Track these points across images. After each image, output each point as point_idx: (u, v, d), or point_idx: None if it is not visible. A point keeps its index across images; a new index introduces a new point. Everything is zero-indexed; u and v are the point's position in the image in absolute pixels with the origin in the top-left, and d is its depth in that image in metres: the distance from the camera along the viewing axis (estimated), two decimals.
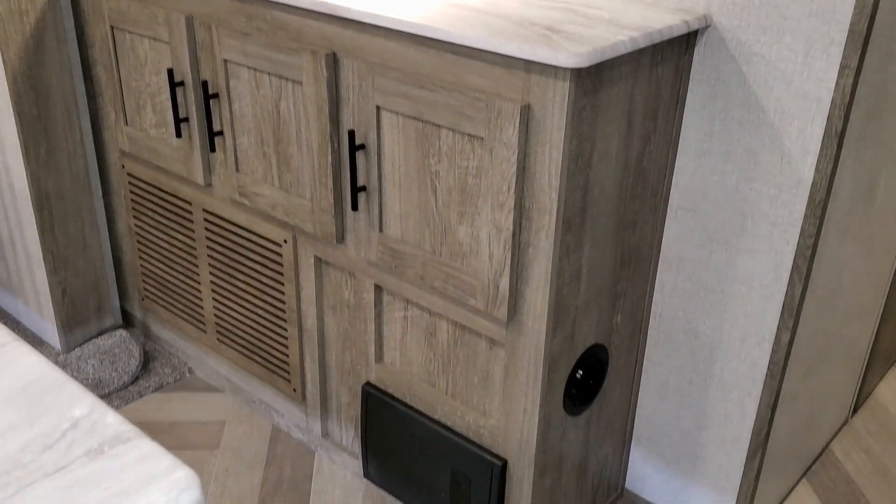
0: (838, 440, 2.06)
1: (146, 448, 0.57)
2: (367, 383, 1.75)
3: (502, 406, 1.52)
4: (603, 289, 1.51)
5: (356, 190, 1.54)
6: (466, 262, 1.44)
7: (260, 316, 1.91)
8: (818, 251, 1.49)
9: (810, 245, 1.45)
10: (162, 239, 2.07)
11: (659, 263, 1.64)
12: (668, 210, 1.60)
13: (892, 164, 1.68)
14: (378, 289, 1.65)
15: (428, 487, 1.70)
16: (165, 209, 2.01)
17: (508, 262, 1.37)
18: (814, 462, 1.98)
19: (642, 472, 1.82)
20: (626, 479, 1.85)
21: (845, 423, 2.11)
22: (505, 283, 1.39)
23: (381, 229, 1.56)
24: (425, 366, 1.64)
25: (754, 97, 1.44)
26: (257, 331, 1.94)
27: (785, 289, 1.50)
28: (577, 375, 1.52)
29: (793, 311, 1.50)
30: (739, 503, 1.66)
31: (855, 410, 2.15)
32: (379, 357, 1.72)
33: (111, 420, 0.59)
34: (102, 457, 0.56)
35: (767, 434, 1.60)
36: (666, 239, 1.62)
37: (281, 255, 1.78)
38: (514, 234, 1.35)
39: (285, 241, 1.76)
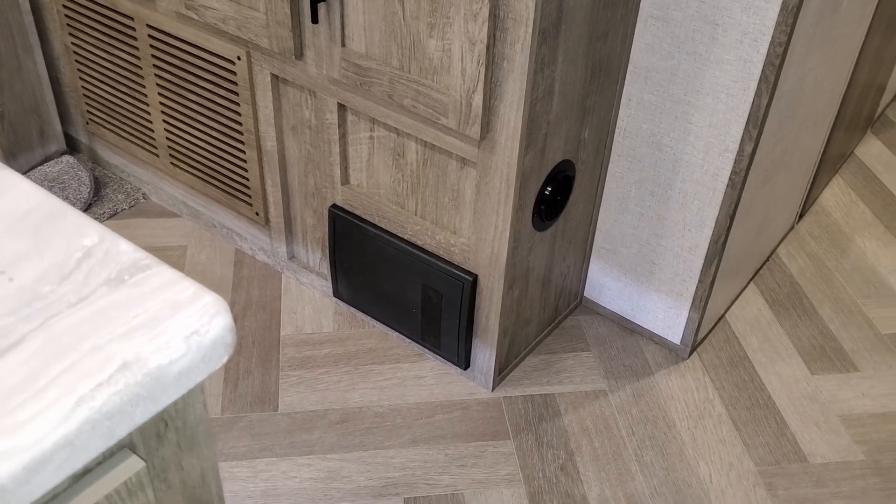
0: (784, 245, 2.16)
1: (167, 275, 0.56)
2: (334, 205, 1.74)
3: (473, 224, 1.53)
4: (573, 104, 1.49)
5: (316, 0, 1.45)
6: (437, 79, 1.40)
7: (216, 138, 1.85)
8: (786, 61, 1.48)
9: (780, 54, 1.44)
10: (103, 59, 1.95)
11: (627, 77, 1.62)
12: (639, 18, 1.56)
13: None
14: (342, 108, 1.60)
15: (398, 304, 1.74)
16: (104, 25, 1.87)
17: (482, 77, 1.33)
18: (761, 266, 2.08)
19: (601, 281, 1.89)
20: (586, 288, 1.93)
21: (791, 228, 2.21)
22: (478, 100, 1.36)
23: (343, 43, 1.49)
24: (393, 187, 1.63)
25: None
26: (214, 154, 1.88)
27: (751, 99, 1.50)
28: (546, 192, 1.54)
29: (757, 122, 1.52)
30: (693, 307, 1.76)
31: (801, 216, 2.25)
32: (345, 179, 1.70)
33: (125, 248, 0.58)
34: (124, 285, 0.55)
35: (725, 242, 1.66)
36: (635, 50, 1.59)
37: (235, 74, 1.70)
38: (488, 48, 1.31)
39: (239, 59, 1.67)
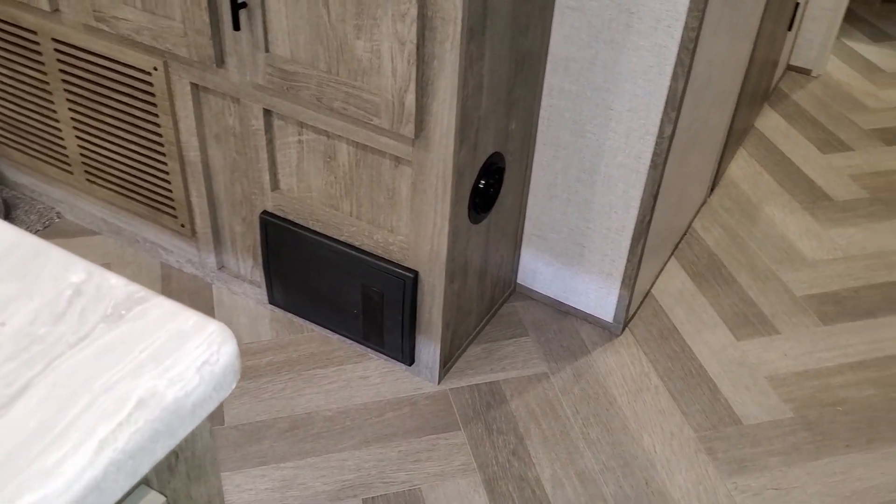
0: (699, 218, 2.26)
1: (166, 306, 0.56)
2: (265, 212, 1.71)
3: (411, 222, 1.55)
4: (500, 97, 1.52)
5: (236, 7, 1.42)
6: (367, 80, 1.40)
7: (135, 151, 1.79)
8: (698, 44, 1.55)
9: (693, 38, 1.51)
10: (5, 76, 1.86)
11: (548, 67, 1.66)
12: (556, 10, 1.60)
13: None
14: (268, 113, 1.58)
15: (338, 306, 1.74)
16: (5, 41, 1.78)
17: (414, 76, 1.34)
18: (680, 240, 2.17)
19: (533, 267, 1.93)
20: (519, 274, 1.97)
21: (704, 202, 2.31)
22: (411, 99, 1.37)
23: (267, 49, 1.47)
24: (326, 190, 1.63)
25: None
26: (134, 167, 1.82)
27: (668, 83, 1.57)
28: (480, 185, 1.56)
29: (675, 104, 1.58)
30: (623, 286, 1.82)
31: (712, 190, 2.35)
32: (274, 185, 1.68)
33: (115, 282, 0.57)
34: (123, 321, 0.54)
35: (649, 221, 1.73)
36: (554, 41, 1.63)
37: (152, 85, 1.65)
38: (418, 47, 1.32)
39: (155, 69, 1.63)
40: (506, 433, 1.65)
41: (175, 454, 0.55)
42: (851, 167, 2.52)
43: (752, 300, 2.01)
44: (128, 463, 0.48)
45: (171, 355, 0.52)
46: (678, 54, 1.53)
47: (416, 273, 1.60)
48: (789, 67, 3.02)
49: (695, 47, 1.52)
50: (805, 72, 3.01)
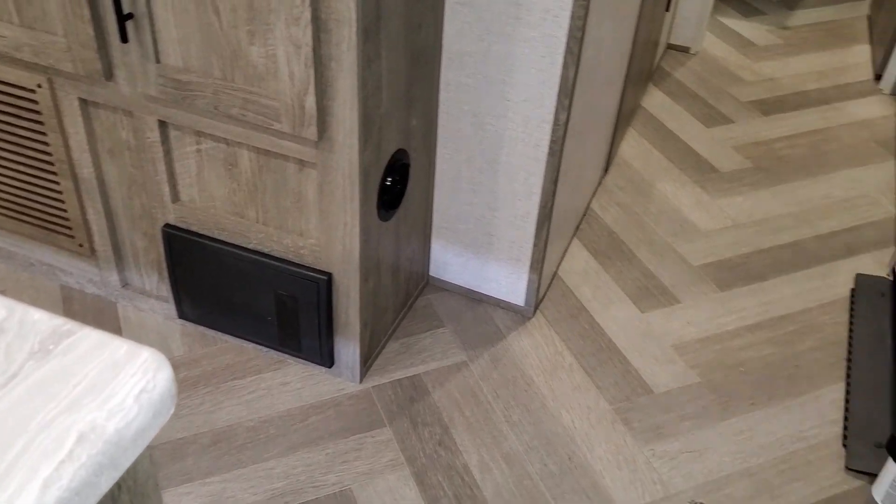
0: (596, 198, 2.34)
1: (95, 337, 0.55)
2: (167, 225, 1.68)
3: (320, 224, 1.54)
4: (400, 94, 1.54)
5: (122, 18, 1.39)
6: (265, 85, 1.39)
7: (23, 172, 1.72)
8: (585, 32, 1.61)
9: (580, 27, 1.56)
10: None
11: (443, 62, 1.69)
12: (447, 6, 1.62)
13: None
14: (163, 125, 1.55)
15: (251, 314, 1.72)
16: None
17: (312, 79, 1.34)
18: (580, 221, 2.24)
19: (444, 259, 1.96)
20: (430, 267, 1.99)
21: (600, 183, 2.39)
22: (311, 101, 1.36)
23: (158, 59, 1.44)
24: (230, 198, 1.60)
25: None
26: (23, 189, 1.75)
27: (560, 71, 1.62)
28: (387, 183, 1.58)
29: (568, 92, 1.63)
30: (532, 270, 1.87)
31: (607, 170, 2.44)
32: (175, 196, 1.65)
33: (38, 316, 0.55)
34: (51, 356, 0.53)
35: (552, 206, 1.78)
36: (447, 37, 1.66)
37: (37, 102, 1.59)
38: (314, 50, 1.31)
39: (39, 86, 1.56)
40: (431, 425, 1.68)
41: (118, 485, 0.55)
42: (734, 139, 2.66)
43: (652, 273, 2.10)
44: (73, 500, 0.47)
45: (108, 386, 0.52)
46: (567, 43, 1.58)
47: (329, 275, 1.60)
48: (669, 46, 3.15)
49: (582, 36, 1.57)
50: (684, 50, 3.14)
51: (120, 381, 0.52)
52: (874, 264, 2.18)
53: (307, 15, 1.28)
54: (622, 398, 1.77)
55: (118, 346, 0.54)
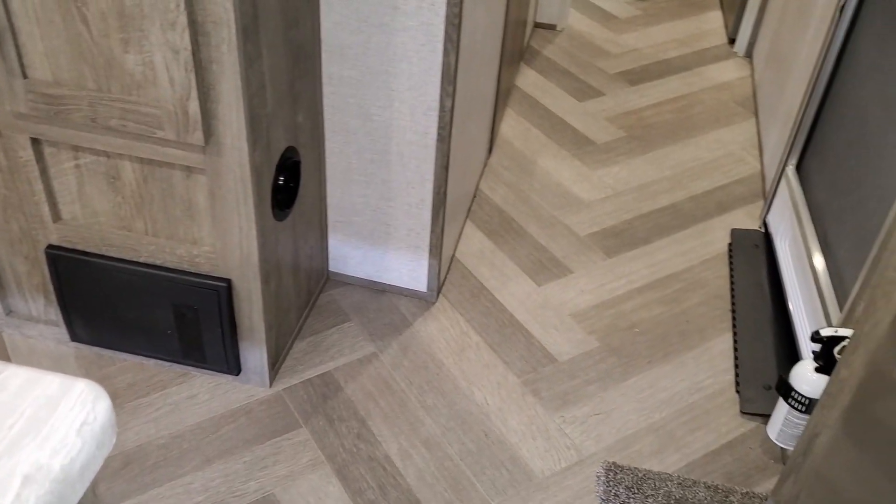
0: (484, 179, 2.39)
1: (23, 373, 0.53)
2: (50, 246, 1.60)
3: (214, 230, 1.51)
4: (284, 92, 1.52)
5: None
6: (144, 93, 1.34)
7: None
8: (462, 18, 1.63)
9: (457, 14, 1.59)
10: None
11: (323, 57, 1.68)
12: (322, 1, 1.61)
13: None
14: (36, 142, 1.47)
15: (150, 330, 1.66)
16: None
17: (194, 84, 1.31)
18: (471, 203, 2.28)
19: (342, 252, 1.96)
20: (330, 262, 1.98)
21: (486, 164, 2.44)
22: (194, 106, 1.33)
23: (25, 74, 1.37)
24: (115, 212, 1.54)
25: None
26: None
27: (441, 59, 1.64)
28: (280, 182, 1.56)
29: (451, 78, 1.66)
30: (431, 255, 1.90)
31: (490, 151, 2.49)
32: (56, 216, 1.57)
33: None
34: None
35: (445, 191, 1.81)
36: (325, 31, 1.65)
37: None
38: (193, 53, 1.28)
39: None
40: (347, 420, 1.68)
41: None
42: (605, 110, 2.76)
43: (543, 247, 2.17)
44: None
45: (46, 424, 0.50)
46: (445, 30, 1.60)
47: (228, 281, 1.57)
48: (536, 25, 3.23)
49: (460, 22, 1.60)
50: (550, 27, 3.23)
51: (59, 417, 0.51)
52: (746, 218, 2.32)
53: (183, 19, 1.25)
54: (529, 370, 1.82)
55: (50, 381, 0.52)
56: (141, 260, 1.58)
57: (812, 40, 2.18)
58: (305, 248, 1.81)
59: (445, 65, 1.64)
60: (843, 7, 1.86)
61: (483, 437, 1.67)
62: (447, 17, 1.59)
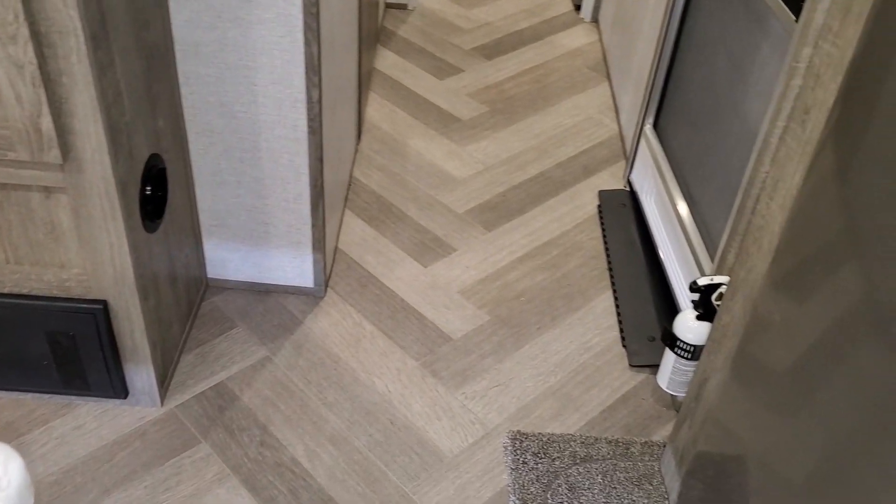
0: (357, 166, 2.37)
1: None
2: None
3: (83, 251, 1.43)
4: (142, 98, 1.44)
5: None
6: None
7: None
8: (320, 6, 1.60)
9: (315, 2, 1.55)
10: None
11: (177, 56, 1.60)
12: None
13: None
14: None
15: (23, 363, 1.56)
16: None
17: (44, 99, 1.22)
18: (348, 192, 2.26)
19: (220, 257, 1.89)
20: (207, 269, 1.92)
21: (357, 150, 2.42)
22: (48, 123, 1.24)
23: None
24: None
25: None
26: None
27: (303, 49, 1.60)
28: (147, 192, 1.48)
29: (315, 68, 1.63)
30: (315, 249, 1.87)
31: (360, 137, 2.46)
32: None
33: None
34: None
35: (322, 183, 1.78)
36: (177, 29, 1.57)
37: None
38: (40, 67, 1.20)
39: None
40: (248, 428, 1.64)
41: None
42: (466, 87, 2.79)
43: (424, 228, 2.18)
44: None
45: None
46: (304, 20, 1.57)
47: (104, 302, 1.49)
48: (388, 6, 3.21)
49: (318, 11, 1.57)
50: (402, 7, 3.22)
51: None
52: (611, 179, 2.41)
53: (24, 31, 1.16)
54: (426, 352, 1.83)
55: None
56: (6, 291, 1.47)
57: (656, 3, 2.27)
58: (181, 257, 1.74)
59: (308, 55, 1.61)
60: None
61: (389, 425, 1.67)
62: (304, 5, 1.55)
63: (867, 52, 0.93)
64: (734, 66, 1.66)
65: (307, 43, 1.59)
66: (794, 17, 1.32)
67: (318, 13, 1.57)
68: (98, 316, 1.49)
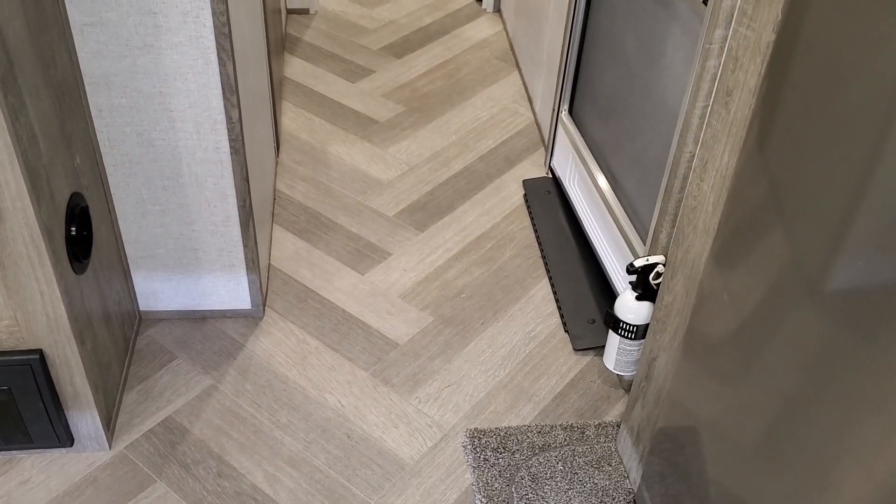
0: (279, 179, 2.33)
1: None
2: None
3: (12, 302, 1.37)
4: (56, 137, 1.39)
5: None
6: None
7: None
8: (231, 25, 1.57)
9: (225, 22, 1.52)
10: None
11: (87, 89, 1.55)
12: (74, 30, 1.48)
13: None
14: None
15: None
16: None
17: None
18: (273, 207, 2.22)
19: (151, 289, 1.84)
20: (139, 302, 1.86)
21: (278, 162, 2.38)
22: None
23: None
24: None
25: None
26: None
27: (218, 69, 1.57)
28: (72, 233, 1.43)
29: (233, 88, 1.59)
30: (249, 270, 1.83)
31: (279, 149, 2.43)
32: None
33: None
34: None
35: (250, 203, 1.75)
36: (84, 62, 1.52)
37: None
38: None
39: None
40: (203, 461, 1.60)
41: None
42: (379, 87, 2.78)
43: (357, 235, 2.16)
44: None
45: None
46: (217, 41, 1.53)
47: (39, 352, 1.43)
48: (289, 12, 3.17)
49: (229, 30, 1.54)
50: (304, 12, 3.18)
51: None
52: (533, 167, 2.45)
53: None
54: (374, 361, 1.83)
55: None
56: None
57: None
58: (112, 294, 1.69)
59: (224, 75, 1.57)
60: None
61: (346, 439, 1.66)
62: (215, 26, 1.52)
63: (784, 34, 0.97)
64: (644, 48, 1.71)
65: (222, 63, 1.56)
66: (702, 0, 1.37)
67: (230, 32, 1.54)
68: (34, 366, 1.43)
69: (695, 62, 1.33)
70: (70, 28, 1.47)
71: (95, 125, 1.59)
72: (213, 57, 1.55)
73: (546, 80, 2.49)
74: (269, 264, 2.05)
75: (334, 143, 2.49)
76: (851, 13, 0.84)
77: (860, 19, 0.82)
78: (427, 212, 2.26)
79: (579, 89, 2.16)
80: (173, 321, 1.88)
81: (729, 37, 1.15)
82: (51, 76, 1.37)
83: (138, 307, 1.87)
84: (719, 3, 1.22)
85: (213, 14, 1.50)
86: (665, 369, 1.36)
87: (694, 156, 1.35)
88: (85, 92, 1.55)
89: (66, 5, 1.45)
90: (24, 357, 1.42)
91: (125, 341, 1.77)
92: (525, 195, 2.33)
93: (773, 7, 1.00)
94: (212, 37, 1.53)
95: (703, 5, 1.35)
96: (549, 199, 2.31)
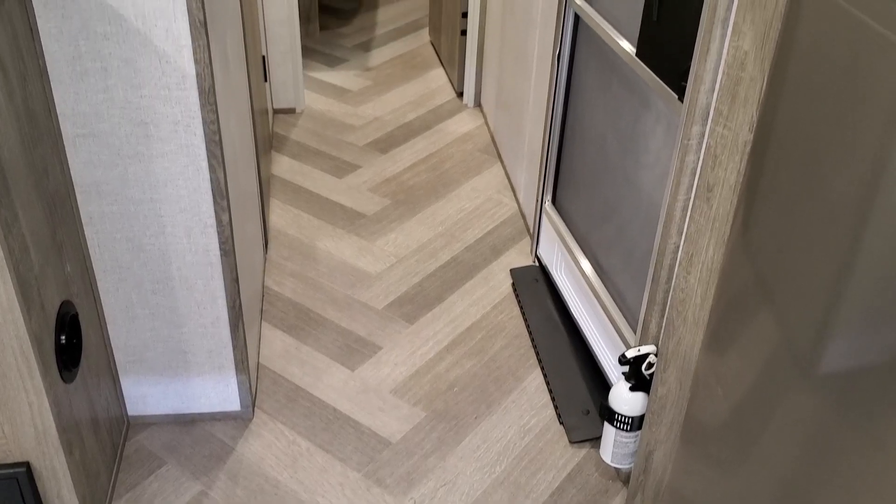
0: (268, 276, 2.34)
1: None
2: None
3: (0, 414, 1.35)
4: (47, 247, 1.40)
5: None
6: None
7: None
8: (222, 131, 1.60)
9: (216, 130, 1.56)
10: None
11: (79, 198, 1.57)
12: (66, 142, 1.51)
13: (230, 28, 1.85)
14: None
15: None
16: None
17: None
18: (262, 304, 2.23)
19: (139, 393, 1.82)
20: (127, 407, 1.84)
21: (266, 259, 2.40)
22: None
23: None
24: None
25: (110, 8, 1.41)
26: None
27: (208, 175, 1.60)
28: (62, 342, 1.42)
29: (223, 192, 1.62)
30: (238, 371, 1.82)
31: (267, 246, 2.44)
32: None
33: None
34: None
35: (239, 304, 1.75)
36: (75, 171, 1.54)
37: None
38: None
39: None
40: None
41: None
42: (366, 182, 2.83)
43: (346, 330, 2.16)
44: None
45: None
46: (207, 148, 1.56)
47: (26, 464, 1.40)
48: (276, 111, 3.24)
49: (220, 138, 1.57)
50: (290, 111, 3.25)
51: None
52: (520, 256, 2.47)
53: None
54: (367, 461, 1.80)
55: None
56: None
57: (536, 86, 2.39)
58: (100, 400, 1.67)
59: (214, 181, 1.60)
60: (559, 56, 2.07)
61: None
62: (206, 135, 1.55)
63: (760, 134, 1.00)
64: (624, 142, 1.76)
65: (212, 169, 1.58)
66: (677, 97, 1.42)
67: (220, 140, 1.57)
68: (21, 480, 1.40)
69: (674, 157, 1.37)
70: (63, 140, 1.50)
71: (86, 232, 1.61)
72: (204, 164, 1.58)
73: (528, 171, 2.54)
74: (259, 363, 2.04)
75: (322, 237, 2.52)
76: (821, 113, 0.87)
77: (830, 117, 0.86)
78: (416, 304, 2.26)
79: (561, 180, 2.21)
80: (162, 425, 1.86)
81: (707, 135, 1.18)
82: (43, 187, 1.39)
83: (126, 412, 1.84)
84: (695, 100, 1.26)
85: (204, 123, 1.54)
86: (663, 462, 1.35)
87: (678, 247, 1.37)
88: (76, 200, 1.57)
89: (59, 118, 1.48)
90: (11, 471, 1.39)
91: (113, 448, 1.74)
92: (513, 284, 2.35)
93: (748, 108, 1.04)
94: (202, 145, 1.56)
95: (679, 102, 1.40)
96: (537, 287, 2.32)
